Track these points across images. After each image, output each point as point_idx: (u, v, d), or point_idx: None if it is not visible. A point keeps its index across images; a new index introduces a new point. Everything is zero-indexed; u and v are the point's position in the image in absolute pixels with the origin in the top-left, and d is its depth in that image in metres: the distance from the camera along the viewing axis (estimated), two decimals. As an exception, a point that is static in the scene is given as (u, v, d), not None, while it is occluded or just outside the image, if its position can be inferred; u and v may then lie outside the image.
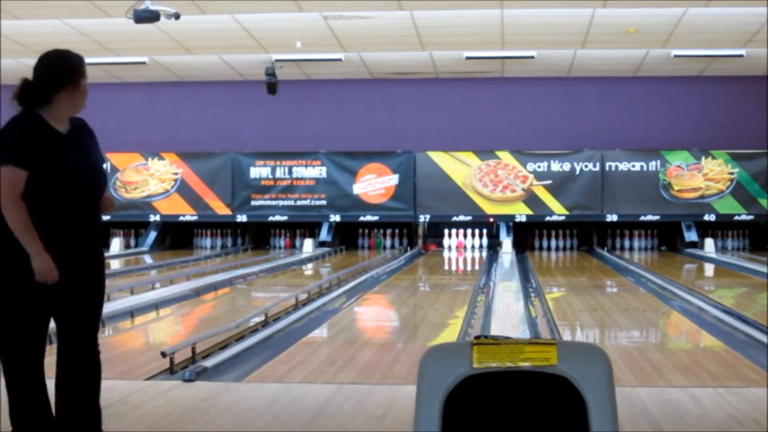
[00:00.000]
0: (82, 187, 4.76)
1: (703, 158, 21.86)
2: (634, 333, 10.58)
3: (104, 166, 4.79)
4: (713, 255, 20.63)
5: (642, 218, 22.09)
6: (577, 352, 2.38)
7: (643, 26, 16.55)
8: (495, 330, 9.91)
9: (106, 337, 9.91)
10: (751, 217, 21.86)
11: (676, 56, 19.21)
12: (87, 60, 18.33)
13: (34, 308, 4.88)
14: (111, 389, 6.60)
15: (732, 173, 21.82)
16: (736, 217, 21.90)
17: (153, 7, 14.02)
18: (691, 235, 21.95)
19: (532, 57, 19.50)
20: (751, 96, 21.53)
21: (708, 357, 8.62)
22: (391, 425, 5.46)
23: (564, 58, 19.75)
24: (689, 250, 21.48)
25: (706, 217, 21.94)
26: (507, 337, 2.43)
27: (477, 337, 2.43)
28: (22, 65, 20.40)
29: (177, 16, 14.52)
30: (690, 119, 21.91)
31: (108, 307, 11.33)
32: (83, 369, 5.07)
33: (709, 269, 18.63)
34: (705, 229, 22.15)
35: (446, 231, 23.06)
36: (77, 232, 4.77)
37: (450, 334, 10.19)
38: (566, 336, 9.75)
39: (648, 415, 5.70)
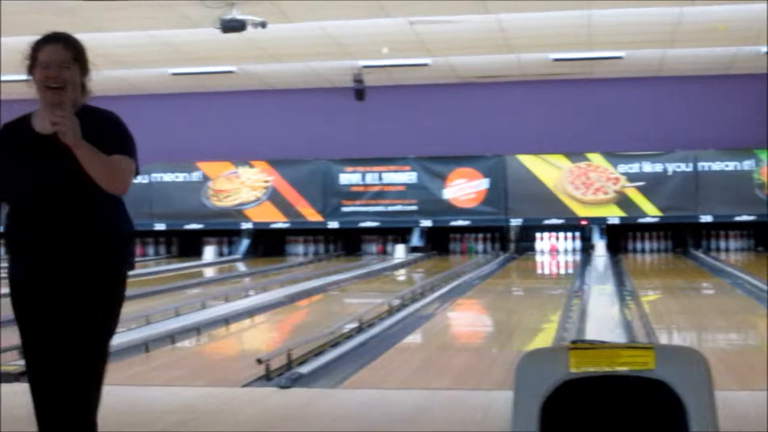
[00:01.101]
0: (41, 192, 4.12)
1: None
2: (733, 335, 10.45)
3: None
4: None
5: (737, 219, 21.77)
6: (675, 355, 2.36)
7: (733, 23, 16.34)
8: (590, 334, 9.82)
9: (202, 344, 10.02)
10: None
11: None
12: (176, 70, 18.60)
13: None
14: (207, 396, 6.67)
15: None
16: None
17: (239, 17, 14.15)
18: (788, 235, 21.64)
19: (621, 57, 19.36)
20: None
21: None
22: (489, 427, 5.44)
23: (653, 57, 19.56)
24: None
25: (804, 217, 21.55)
26: (603, 342, 2.42)
27: (573, 342, 2.42)
28: (109, 77, 20.72)
29: (263, 25, 14.64)
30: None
31: (203, 315, 11.51)
32: None
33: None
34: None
35: (538, 234, 22.96)
36: (40, 241, 4.15)
37: (545, 338, 10.16)
38: (663, 339, 9.65)
39: (748, 420, 5.62)
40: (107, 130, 4.18)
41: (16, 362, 7.92)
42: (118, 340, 9.34)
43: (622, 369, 2.34)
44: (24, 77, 4.29)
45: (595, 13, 15.40)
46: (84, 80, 4.27)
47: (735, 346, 9.70)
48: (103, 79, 20.77)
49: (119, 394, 6.82)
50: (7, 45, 17.16)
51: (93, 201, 4.17)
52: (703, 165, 21.79)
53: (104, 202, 4.24)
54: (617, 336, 9.76)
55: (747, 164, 21.67)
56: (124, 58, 18.59)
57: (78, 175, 4.02)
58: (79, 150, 3.96)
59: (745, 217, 21.72)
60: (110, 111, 4.34)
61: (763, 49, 18.58)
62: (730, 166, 21.72)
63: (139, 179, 22.98)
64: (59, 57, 4.12)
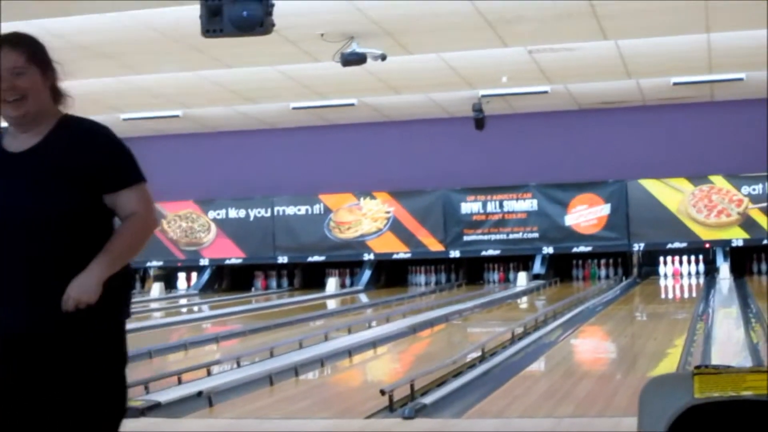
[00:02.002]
0: (8, 221, 3.37)
1: None
2: None
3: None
4: None
5: None
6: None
7: None
8: (715, 358, 9.70)
9: (325, 376, 10.07)
10: None
11: None
12: (297, 104, 18.69)
13: None
14: (332, 428, 6.71)
15: None
16: None
17: (359, 50, 14.26)
18: None
19: (741, 79, 19.08)
20: None
21: None
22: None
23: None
24: None
25: None
26: (728, 366, 2.39)
27: (698, 367, 2.40)
28: (234, 112, 21.04)
29: (383, 58, 14.72)
30: None
31: (326, 347, 11.58)
32: None
33: None
34: None
35: (661, 259, 22.69)
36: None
37: (669, 363, 10.04)
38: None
39: None
40: (103, 157, 3.46)
41: (141, 397, 8.06)
42: (243, 373, 9.50)
43: (748, 394, 2.30)
44: None
45: (714, 36, 15.22)
46: (53, 83, 3.60)
47: None
48: (230, 114, 21.24)
49: (245, 426, 6.90)
50: (143, 83, 17.58)
51: (73, 231, 3.38)
52: (832, 185, 21.42)
53: (89, 231, 3.43)
54: (743, 360, 9.61)
55: None
56: (250, 94, 18.85)
57: (55, 200, 3.35)
58: (102, 277, 3.30)
59: None
60: (98, 124, 3.59)
61: None
62: None
63: (262, 212, 23.31)
64: (9, 63, 3.39)
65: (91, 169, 3.39)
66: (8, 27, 12.83)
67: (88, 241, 3.39)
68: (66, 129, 3.50)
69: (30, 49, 3.47)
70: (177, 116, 21.13)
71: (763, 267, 22.21)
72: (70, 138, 3.46)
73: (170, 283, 24.78)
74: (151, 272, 24.80)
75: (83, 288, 3.24)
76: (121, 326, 3.49)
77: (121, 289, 3.44)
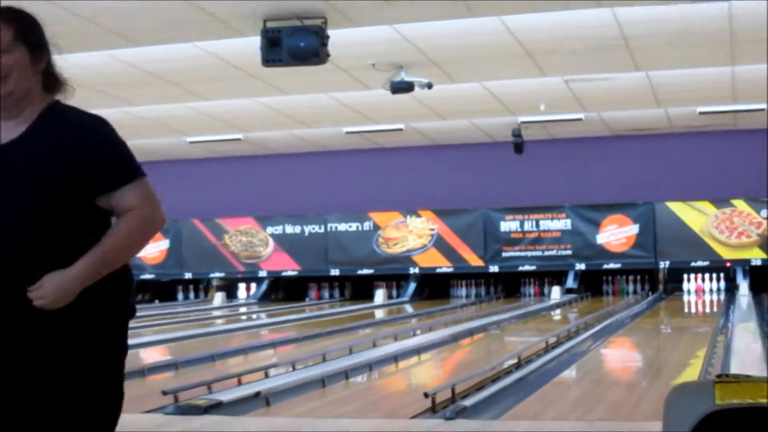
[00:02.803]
0: None
1: None
2: None
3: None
4: None
5: None
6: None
7: None
8: (735, 369, 9.65)
9: (373, 380, 10.07)
10: None
11: None
12: (349, 129, 18.70)
13: None
14: (379, 428, 6.70)
15: None
16: None
17: (407, 79, 14.27)
18: None
19: (764, 109, 18.93)
20: None
21: None
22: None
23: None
24: None
25: None
26: (747, 376, 2.37)
27: (719, 376, 2.39)
28: (291, 135, 21.09)
29: (430, 86, 14.73)
30: None
31: (374, 353, 11.58)
32: None
33: None
34: None
35: (685, 276, 22.58)
36: None
37: (692, 373, 9.97)
38: (808, 374, 9.38)
39: None
40: (99, 153, 2.93)
41: (204, 396, 8.09)
42: (297, 376, 9.51)
43: (765, 401, 2.29)
44: None
45: (738, 69, 15.12)
46: (46, 66, 3.07)
47: None
48: (287, 137, 21.29)
49: (300, 426, 6.91)
50: (207, 109, 17.68)
51: (58, 241, 2.89)
52: None
53: (76, 240, 2.92)
54: (760, 370, 9.52)
55: None
56: (305, 118, 18.92)
57: (44, 198, 2.84)
58: (84, 280, 2.85)
59: None
60: (93, 115, 3.02)
61: None
62: None
63: (316, 228, 23.33)
64: None
65: (94, 176, 2.90)
66: (85, 57, 12.98)
67: (77, 249, 2.87)
68: (53, 119, 2.97)
69: (20, 25, 2.96)
70: (238, 139, 21.22)
71: (781, 285, 22.05)
72: (58, 131, 2.94)
73: (231, 293, 24.88)
74: (214, 283, 24.89)
75: (57, 288, 2.80)
76: (115, 327, 3.00)
77: (115, 290, 2.97)
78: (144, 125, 19.11)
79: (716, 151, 21.70)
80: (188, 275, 24.68)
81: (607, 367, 11.63)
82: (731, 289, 21.71)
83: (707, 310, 19.53)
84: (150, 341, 14.34)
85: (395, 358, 11.39)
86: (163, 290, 25.24)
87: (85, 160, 2.88)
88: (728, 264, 21.83)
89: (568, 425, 6.64)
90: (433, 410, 7.44)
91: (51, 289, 2.78)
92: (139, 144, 21.59)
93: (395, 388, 9.81)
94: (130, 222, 2.94)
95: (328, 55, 11.09)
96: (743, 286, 21.46)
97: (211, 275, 24.60)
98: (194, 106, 17.24)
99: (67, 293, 2.80)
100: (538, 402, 8.21)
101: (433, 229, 23.09)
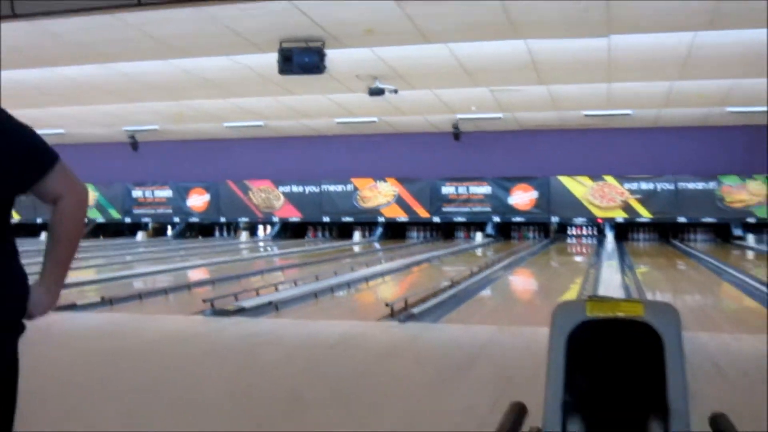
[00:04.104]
0: None
1: (747, 180, 20.98)
2: (697, 296, 10.21)
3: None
4: (753, 245, 19.82)
5: (703, 220, 21.30)
6: (657, 307, 2.32)
7: (699, 93, 15.97)
8: (601, 292, 9.75)
9: (351, 294, 10.10)
10: (780, 220, 20.91)
11: (731, 112, 18.40)
12: (340, 120, 18.48)
13: None
14: (354, 327, 6.73)
15: None
16: (770, 220, 20.95)
17: (381, 86, 14.24)
18: (737, 232, 21.11)
19: (629, 114, 18.98)
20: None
21: (749, 314, 8.26)
22: (534, 352, 5.41)
23: (650, 114, 19.11)
24: (736, 242, 20.64)
25: (749, 219, 21.00)
26: (610, 297, 2.40)
27: (589, 297, 2.41)
28: (298, 124, 20.95)
29: (396, 91, 14.70)
30: (738, 153, 21.09)
31: (352, 275, 11.59)
32: None
33: (750, 254, 17.79)
34: (748, 228, 21.21)
35: (569, 228, 22.74)
36: None
37: (571, 294, 10.07)
38: (649, 296, 9.48)
39: (706, 351, 5.50)
40: (20, 146, 2.15)
41: (233, 304, 8.08)
42: (298, 291, 9.50)
43: (622, 314, 2.31)
44: None
45: (613, 85, 15.17)
46: None
47: (698, 302, 9.47)
48: (296, 125, 21.09)
49: (297, 327, 6.93)
50: (241, 103, 17.55)
51: None
52: (682, 185, 21.36)
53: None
54: (619, 293, 9.63)
55: (712, 185, 21.16)
56: (308, 112, 18.82)
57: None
58: (60, 291, 2.26)
59: (708, 219, 21.23)
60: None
61: (732, 108, 18.00)
62: (699, 186, 21.26)
63: (313, 188, 23.29)
64: None
65: (12, 165, 2.12)
66: (153, 65, 12.75)
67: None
68: None
69: None
70: (260, 126, 21.10)
71: (635, 236, 22.21)
72: None
73: (253, 232, 24.85)
74: (241, 225, 24.84)
75: (44, 307, 2.23)
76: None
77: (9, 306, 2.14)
78: (195, 114, 19.01)
79: (594, 142, 21.79)
80: (223, 219, 24.63)
81: (512, 289, 11.71)
82: (601, 238, 21.85)
83: (583, 251, 19.66)
84: (195, 264, 14.33)
85: (366, 279, 11.46)
86: (205, 229, 25.19)
87: (11, 156, 2.12)
88: (599, 220, 21.98)
89: (485, 328, 6.70)
90: (392, 315, 7.49)
91: (41, 312, 2.23)
92: (192, 128, 21.51)
93: (366, 300, 9.85)
94: (67, 216, 2.29)
95: (325, 68, 11.05)
96: (609, 236, 21.63)
97: (239, 220, 24.55)
98: (230, 101, 17.11)
99: (50, 309, 2.25)
100: (464, 312, 8.27)
101: (395, 191, 23.09)
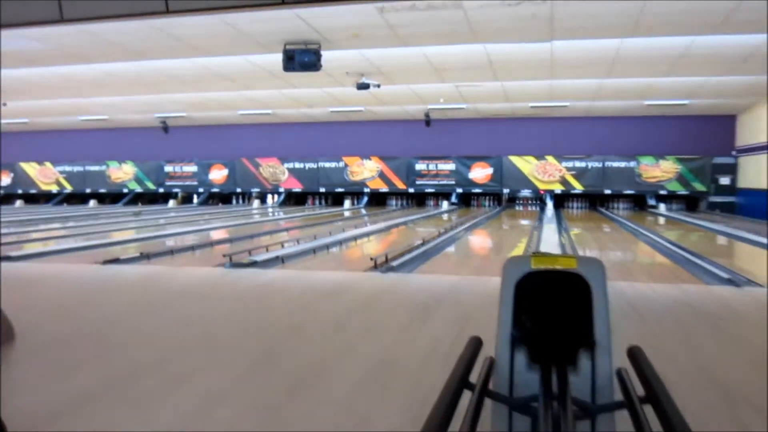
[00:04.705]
0: None
1: (660, 160, 21.08)
2: (618, 253, 10.28)
3: None
4: (664, 212, 19.96)
5: (624, 192, 21.40)
6: (587, 261, 2.34)
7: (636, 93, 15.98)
8: (543, 249, 9.80)
9: (343, 250, 10.10)
10: (687, 193, 20.97)
11: (649, 105, 18.45)
12: (334, 109, 18.31)
13: None
14: (345, 277, 6.74)
15: (677, 168, 20.99)
16: (679, 192, 21.02)
17: (366, 81, 14.14)
18: (651, 201, 21.23)
19: (567, 106, 18.99)
20: (692, 126, 20.73)
21: (660, 268, 8.33)
22: (488, 297, 5.45)
23: (583, 105, 19.12)
24: (650, 210, 20.77)
25: (661, 192, 21.12)
26: (550, 253, 2.41)
27: (534, 252, 2.42)
28: (299, 112, 20.76)
29: (379, 86, 14.61)
30: (654, 138, 21.16)
31: (344, 235, 11.59)
32: None
33: (661, 220, 17.93)
34: (660, 198, 21.35)
35: (518, 198, 22.78)
36: None
37: (519, 250, 10.11)
38: (581, 253, 9.55)
39: (625, 297, 5.56)
40: None
41: (246, 258, 8.06)
42: (300, 248, 9.48)
43: (560, 267, 2.32)
44: None
45: (554, 82, 15.13)
46: None
47: (620, 258, 9.56)
48: (297, 113, 20.89)
49: (299, 276, 6.94)
50: (251, 95, 17.36)
51: None
52: (608, 164, 21.40)
53: None
54: (557, 250, 9.68)
55: (632, 164, 21.25)
56: (308, 102, 18.67)
57: None
58: None
59: (628, 191, 21.33)
60: None
61: (649, 101, 18.06)
62: (622, 164, 21.33)
63: (312, 165, 23.25)
64: None
65: None
66: (179, 62, 12.56)
67: None
68: None
69: None
70: (268, 113, 20.94)
71: (571, 205, 22.28)
72: None
73: (263, 200, 24.73)
74: (253, 194, 24.72)
75: None
76: None
77: None
78: (213, 104, 18.78)
79: (538, 128, 21.80)
80: (238, 189, 24.49)
81: (471, 246, 11.74)
82: (542, 206, 21.88)
83: (529, 217, 19.74)
84: (216, 226, 14.27)
85: (355, 238, 11.46)
86: (224, 198, 25.05)
87: None
88: (542, 192, 22.03)
89: (449, 278, 6.73)
90: (375, 267, 7.50)
91: None
92: (212, 115, 21.30)
93: (355, 255, 9.86)
94: None
95: (321, 66, 10.94)
96: (549, 204, 21.61)
97: (252, 190, 24.43)
98: (242, 93, 16.94)
99: None
100: (433, 264, 8.29)
101: (378, 167, 23.03)
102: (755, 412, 2.86)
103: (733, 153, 20.44)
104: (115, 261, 8.00)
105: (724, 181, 20.57)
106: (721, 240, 12.31)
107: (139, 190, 25.44)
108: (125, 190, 25.53)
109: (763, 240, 11.38)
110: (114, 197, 25.73)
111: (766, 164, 17.87)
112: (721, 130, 20.54)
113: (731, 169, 20.48)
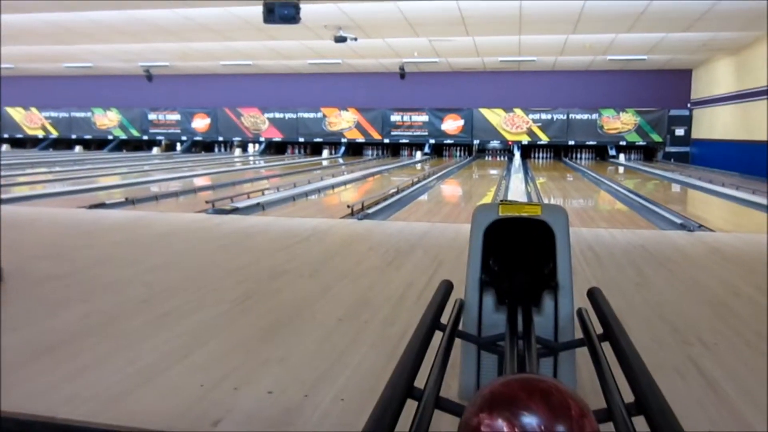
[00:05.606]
0: None
1: (621, 112, 21.15)
2: (580, 200, 10.37)
3: None
4: (624, 162, 20.14)
5: (587, 143, 21.51)
6: (552, 209, 2.33)
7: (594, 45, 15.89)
8: (510, 197, 9.86)
9: (321, 198, 10.07)
10: (645, 143, 21.14)
11: (610, 60, 18.39)
12: (312, 61, 18.05)
13: None
14: (322, 223, 6.72)
15: (636, 120, 21.10)
16: (637, 143, 21.18)
17: (343, 35, 13.91)
18: (612, 152, 21.39)
19: (534, 60, 18.87)
20: (650, 80, 20.75)
21: (619, 214, 8.42)
22: (459, 243, 5.47)
23: (550, 61, 19.04)
24: (611, 160, 20.95)
25: (621, 143, 21.27)
26: (516, 201, 2.41)
27: (501, 200, 2.41)
28: (279, 64, 20.40)
29: (355, 39, 14.38)
30: (615, 91, 21.18)
31: (322, 183, 11.54)
32: None
33: (621, 169, 18.09)
34: (620, 149, 21.52)
35: (487, 149, 22.80)
36: None
37: (488, 198, 10.16)
38: (546, 200, 9.61)
39: (586, 242, 5.62)
40: None
41: (229, 205, 8.00)
42: (280, 195, 9.43)
43: (525, 214, 2.32)
44: None
45: (522, 37, 15.00)
46: None
47: (582, 205, 9.64)
48: (277, 65, 20.53)
49: (279, 222, 6.91)
50: (235, 46, 16.98)
51: None
52: (572, 116, 21.45)
53: None
54: (523, 198, 9.74)
55: (594, 116, 21.32)
56: (288, 54, 18.34)
57: None
58: None
59: (591, 142, 21.45)
60: None
61: (612, 57, 18.01)
62: (585, 116, 21.39)
63: (292, 115, 23.02)
64: None
65: None
66: (163, 13, 12.20)
67: None
68: None
69: None
70: (249, 64, 20.55)
71: (537, 155, 22.37)
72: None
73: (244, 149, 24.46)
74: (235, 143, 24.43)
75: None
76: None
77: None
78: (198, 55, 18.37)
79: (507, 82, 21.69)
80: (221, 138, 24.19)
81: (443, 194, 11.77)
82: (510, 156, 21.94)
83: (497, 167, 19.82)
84: (199, 173, 14.11)
85: (332, 186, 11.42)
86: (207, 146, 24.74)
87: None
88: (510, 143, 22.06)
89: (422, 224, 6.75)
90: (352, 214, 7.50)
91: None
92: (195, 65, 20.84)
93: (333, 203, 9.83)
94: None
95: (300, 19, 10.70)
96: (517, 155, 21.62)
97: (234, 139, 24.13)
98: (225, 44, 16.57)
99: None
100: (407, 212, 8.29)
101: (355, 118, 22.84)
102: (702, 347, 2.93)
103: (689, 105, 20.58)
104: (101, 206, 7.89)
105: (680, 132, 20.76)
106: (676, 188, 12.46)
107: (123, 137, 25.00)
108: (110, 137, 25.06)
109: (715, 188, 11.54)
110: (99, 143, 25.28)
111: (719, 116, 18.03)
112: (677, 84, 20.62)
113: (686, 121, 20.64)
